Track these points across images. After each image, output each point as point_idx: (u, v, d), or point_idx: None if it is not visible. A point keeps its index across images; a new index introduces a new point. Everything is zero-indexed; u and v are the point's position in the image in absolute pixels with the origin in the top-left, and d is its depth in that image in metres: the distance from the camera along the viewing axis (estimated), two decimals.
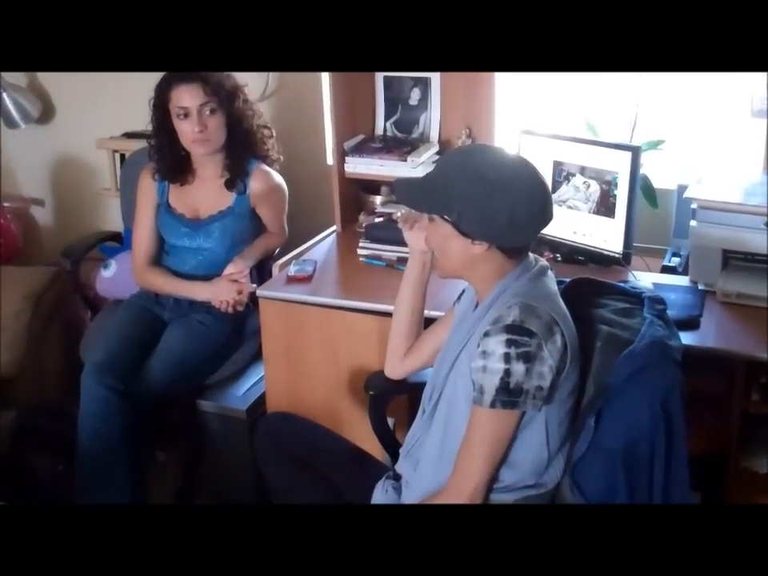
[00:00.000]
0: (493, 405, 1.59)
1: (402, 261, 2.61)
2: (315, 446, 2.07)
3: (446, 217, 1.65)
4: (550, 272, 1.74)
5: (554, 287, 1.71)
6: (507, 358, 1.57)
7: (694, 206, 2.36)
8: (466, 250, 1.67)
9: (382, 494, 1.92)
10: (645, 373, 1.63)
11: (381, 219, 2.76)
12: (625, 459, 1.65)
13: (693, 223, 2.36)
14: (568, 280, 1.86)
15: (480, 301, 1.74)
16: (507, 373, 1.57)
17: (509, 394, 1.58)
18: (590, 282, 1.85)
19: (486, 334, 1.61)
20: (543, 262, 1.75)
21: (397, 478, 1.93)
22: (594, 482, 1.68)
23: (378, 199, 2.92)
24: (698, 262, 2.38)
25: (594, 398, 1.68)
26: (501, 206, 1.61)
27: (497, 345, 1.58)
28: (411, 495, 1.80)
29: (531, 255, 1.74)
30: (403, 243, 2.61)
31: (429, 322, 2.08)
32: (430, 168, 2.79)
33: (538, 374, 1.58)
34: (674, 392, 1.65)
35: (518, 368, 1.57)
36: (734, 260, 2.33)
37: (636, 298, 1.79)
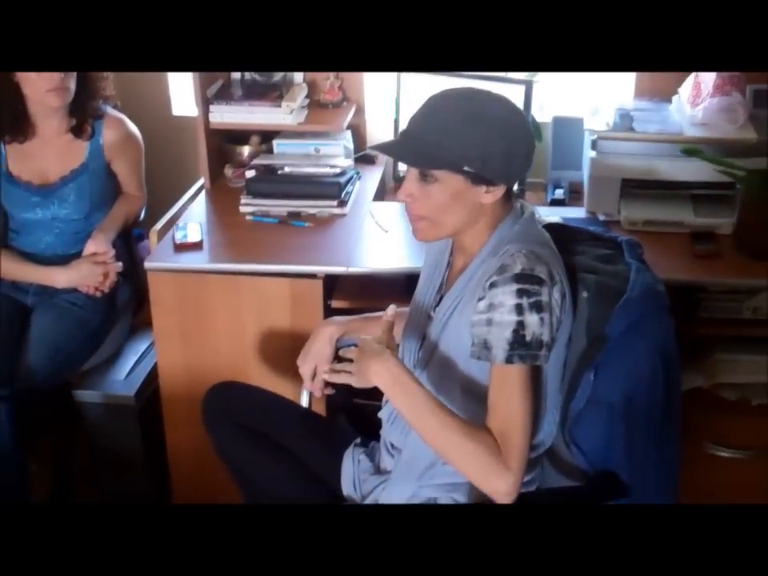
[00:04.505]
0: (509, 360, 1.48)
1: (294, 215, 2.45)
2: (268, 415, 1.91)
3: (466, 168, 1.51)
4: (537, 217, 1.66)
5: (547, 234, 1.63)
6: (520, 309, 1.47)
7: (593, 137, 2.37)
8: (476, 200, 1.54)
9: (353, 465, 1.82)
10: (642, 322, 1.57)
11: (253, 172, 2.54)
12: (624, 412, 1.58)
13: (592, 154, 2.37)
14: None
15: (471, 255, 1.62)
16: (521, 325, 1.47)
17: (526, 348, 1.48)
18: (560, 227, 1.76)
19: (493, 285, 1.49)
20: (530, 206, 1.66)
21: (365, 444, 1.85)
22: (592, 439, 1.61)
23: (247, 150, 2.70)
24: (597, 192, 2.40)
25: (588, 350, 1.60)
26: (519, 143, 1.53)
27: (506, 295, 1.48)
28: (405, 460, 1.69)
29: (516, 200, 1.65)
30: (291, 197, 2.47)
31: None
32: (304, 112, 2.64)
33: (549, 323, 1.50)
34: (670, 340, 1.61)
35: (532, 319, 1.48)
36: (634, 188, 2.38)
37: (612, 242, 1.74)
